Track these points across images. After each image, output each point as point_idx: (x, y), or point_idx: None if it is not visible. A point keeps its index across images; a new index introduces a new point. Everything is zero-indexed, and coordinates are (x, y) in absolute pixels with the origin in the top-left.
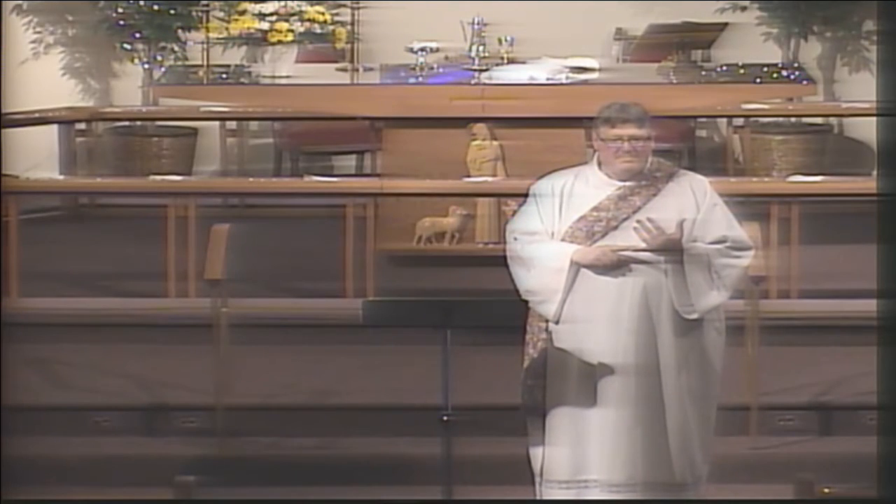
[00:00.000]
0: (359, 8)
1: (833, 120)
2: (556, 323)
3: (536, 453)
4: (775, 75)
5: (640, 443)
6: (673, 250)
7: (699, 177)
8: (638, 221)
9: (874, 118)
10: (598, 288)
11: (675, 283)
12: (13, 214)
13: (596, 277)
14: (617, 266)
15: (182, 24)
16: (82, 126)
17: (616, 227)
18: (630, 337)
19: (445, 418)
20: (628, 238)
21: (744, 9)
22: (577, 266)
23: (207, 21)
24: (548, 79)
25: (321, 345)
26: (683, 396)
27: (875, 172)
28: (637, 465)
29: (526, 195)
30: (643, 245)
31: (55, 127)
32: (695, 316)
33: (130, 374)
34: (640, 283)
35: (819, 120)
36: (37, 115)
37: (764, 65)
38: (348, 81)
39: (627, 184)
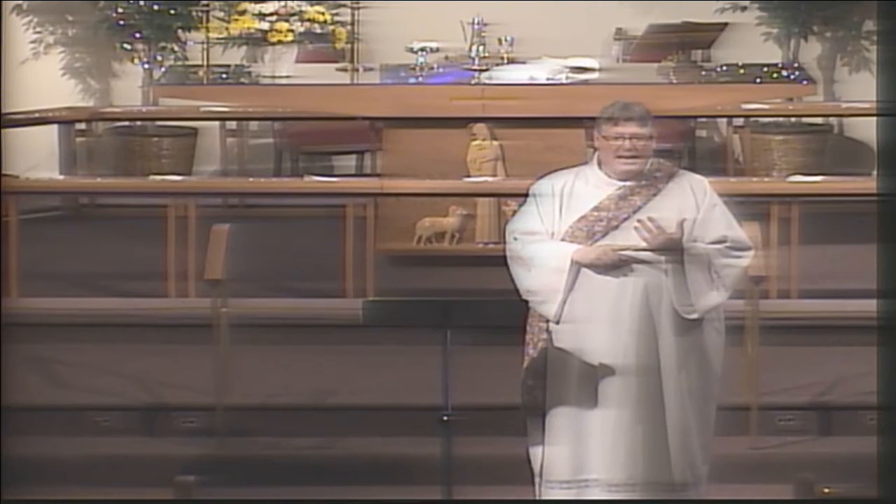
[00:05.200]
0: (359, 8)
1: (833, 120)
2: (557, 323)
3: (536, 453)
4: (775, 75)
5: (641, 443)
6: (673, 250)
7: (699, 177)
8: (639, 221)
9: (874, 118)
10: (599, 288)
11: (676, 283)
12: (13, 214)
13: (596, 277)
14: (617, 266)
15: (182, 24)
16: (82, 126)
17: (616, 227)
18: (630, 337)
19: (445, 418)
20: (629, 238)
21: (744, 9)
22: (577, 266)
23: (207, 21)
24: (548, 79)
25: (321, 345)
26: (683, 396)
27: (875, 172)
28: (637, 465)
29: (526, 195)
30: (643, 245)
31: (55, 127)
32: (695, 316)
33: (130, 374)
34: (640, 283)
35: (819, 120)
36: (37, 115)
37: (764, 65)
38: (348, 81)
39: (628, 184)
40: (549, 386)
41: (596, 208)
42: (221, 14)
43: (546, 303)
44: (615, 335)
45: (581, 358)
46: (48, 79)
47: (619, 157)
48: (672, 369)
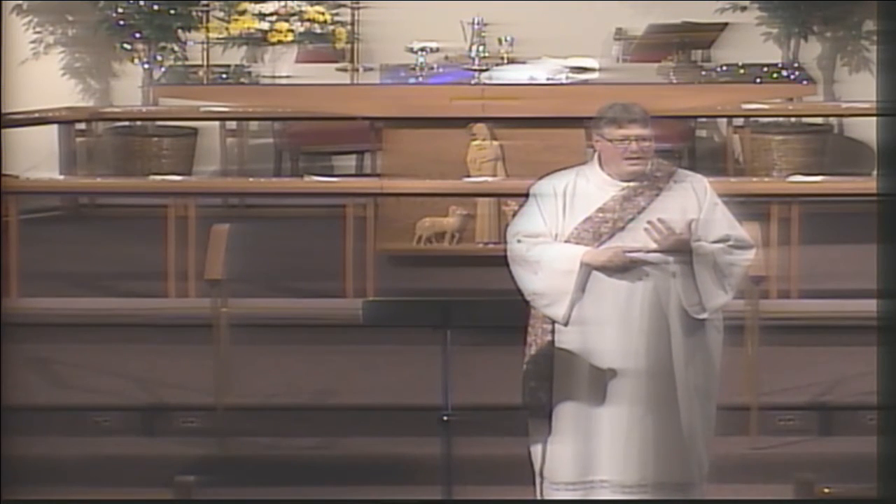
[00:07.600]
0: (359, 8)
1: (833, 120)
2: (566, 325)
3: (538, 453)
4: (775, 75)
5: (654, 443)
6: (682, 250)
7: (698, 176)
8: (648, 222)
9: (874, 118)
10: (609, 289)
11: (685, 283)
12: (13, 214)
13: (606, 279)
14: (627, 267)
15: (182, 24)
16: (82, 126)
17: (622, 228)
18: (641, 337)
19: (445, 418)
20: (635, 239)
21: (744, 9)
22: (587, 268)
23: (207, 21)
24: (548, 79)
25: (321, 345)
26: (691, 395)
27: (875, 172)
28: (650, 466)
29: (526, 195)
30: (653, 245)
31: (55, 127)
32: (704, 315)
33: (130, 374)
34: (650, 284)
35: (819, 120)
36: (37, 115)
37: (764, 65)
38: (348, 81)
39: (630, 184)
40: (556, 387)
41: (601, 209)
42: (221, 14)
43: (555, 304)
44: (626, 336)
45: (590, 359)
46: (48, 79)
47: (627, 158)
48: (682, 368)
